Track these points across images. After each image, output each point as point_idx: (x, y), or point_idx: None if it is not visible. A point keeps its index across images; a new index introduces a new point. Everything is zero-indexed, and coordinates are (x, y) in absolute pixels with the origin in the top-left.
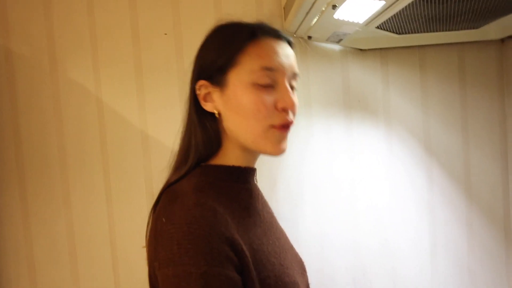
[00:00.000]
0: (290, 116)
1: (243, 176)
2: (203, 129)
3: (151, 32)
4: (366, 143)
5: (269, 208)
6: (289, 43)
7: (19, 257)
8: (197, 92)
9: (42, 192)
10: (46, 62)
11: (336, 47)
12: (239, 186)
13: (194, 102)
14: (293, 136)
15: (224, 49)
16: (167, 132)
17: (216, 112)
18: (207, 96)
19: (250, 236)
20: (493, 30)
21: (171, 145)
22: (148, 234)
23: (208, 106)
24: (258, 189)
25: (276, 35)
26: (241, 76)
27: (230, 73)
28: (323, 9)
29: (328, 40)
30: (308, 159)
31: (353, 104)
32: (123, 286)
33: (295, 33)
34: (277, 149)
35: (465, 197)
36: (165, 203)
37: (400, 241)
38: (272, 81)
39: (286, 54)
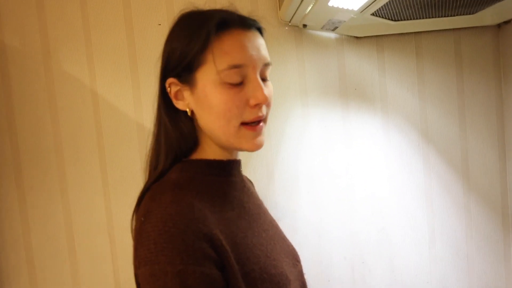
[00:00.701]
0: (263, 110)
1: (226, 169)
2: (176, 128)
3: (145, 23)
4: (363, 131)
5: (258, 200)
6: (259, 30)
7: (18, 251)
8: (167, 90)
9: (39, 185)
10: (39, 54)
11: (332, 35)
12: (221, 179)
13: (164, 100)
14: (289, 125)
15: (189, 47)
16: None
17: (188, 110)
18: (178, 94)
19: (232, 230)
20: (489, 15)
21: None
22: (134, 228)
23: (180, 105)
24: (244, 181)
25: (243, 24)
26: (208, 76)
27: (197, 72)
28: None
29: (323, 28)
30: (305, 149)
31: (349, 92)
32: (122, 278)
33: (290, 21)
34: (252, 146)
35: (463, 183)
36: (145, 202)
37: (398, 228)
38: (242, 77)
39: (255, 46)
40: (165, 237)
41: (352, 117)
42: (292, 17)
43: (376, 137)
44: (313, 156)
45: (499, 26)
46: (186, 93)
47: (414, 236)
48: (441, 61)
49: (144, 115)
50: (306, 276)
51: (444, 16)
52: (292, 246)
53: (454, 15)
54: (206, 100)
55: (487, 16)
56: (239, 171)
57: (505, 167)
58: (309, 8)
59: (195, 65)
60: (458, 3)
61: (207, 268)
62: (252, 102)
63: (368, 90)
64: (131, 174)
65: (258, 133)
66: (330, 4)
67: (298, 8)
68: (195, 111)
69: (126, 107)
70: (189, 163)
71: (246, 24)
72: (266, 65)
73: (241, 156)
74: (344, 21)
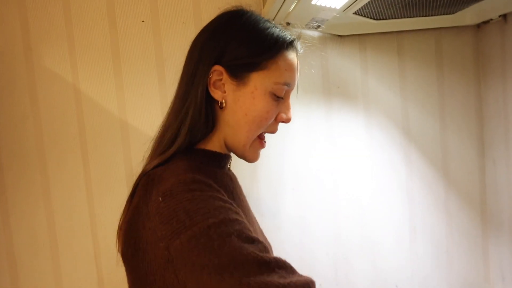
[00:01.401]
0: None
1: (223, 162)
2: (205, 113)
3: (128, 20)
4: (345, 129)
5: (243, 193)
6: None
7: None
8: (209, 75)
9: (20, 184)
10: (20, 51)
11: (315, 33)
12: (221, 171)
13: (203, 83)
14: None
15: (259, 51)
16: (147, 120)
17: (223, 101)
18: (216, 83)
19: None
20: (469, 15)
21: (150, 133)
22: (124, 223)
23: (217, 94)
24: (234, 175)
25: (298, 51)
26: (264, 82)
27: (254, 74)
28: None
29: (306, 26)
30: (288, 146)
31: (332, 90)
32: (105, 277)
33: (273, 19)
34: (257, 157)
35: (443, 181)
36: (153, 185)
37: (380, 225)
38: (284, 95)
39: (298, 71)
40: (196, 202)
41: (335, 115)
42: (276, 15)
43: (359, 135)
44: (296, 154)
45: (478, 26)
46: (229, 87)
47: (396, 233)
48: (422, 60)
49: (128, 112)
50: None
51: (425, 16)
52: (269, 241)
53: (435, 15)
54: (251, 101)
55: (467, 16)
56: (229, 166)
57: (484, 165)
58: (293, 6)
59: (256, 67)
60: (439, 3)
61: (244, 220)
62: (280, 119)
63: (351, 88)
64: (114, 173)
65: (262, 148)
66: (313, 2)
67: (281, 6)
68: (229, 106)
69: (109, 105)
70: (194, 152)
71: (298, 52)
72: None
73: None
74: (327, 20)
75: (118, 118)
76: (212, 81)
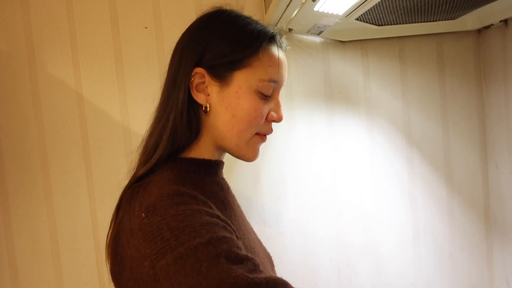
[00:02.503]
0: (272, 127)
1: (213, 169)
2: (188, 118)
3: (131, 26)
4: (348, 134)
5: (237, 201)
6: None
7: (0, 255)
8: (191, 79)
9: (23, 188)
10: (24, 56)
11: (317, 39)
12: (211, 179)
13: (184, 86)
14: (276, 128)
15: (240, 47)
16: (148, 126)
17: (207, 105)
18: (199, 86)
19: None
20: (470, 20)
21: None
22: (110, 239)
23: (200, 98)
24: (226, 183)
25: (284, 46)
26: (248, 80)
27: (237, 73)
28: (303, 1)
29: (308, 32)
30: (291, 151)
31: (334, 96)
32: (107, 283)
33: (275, 25)
34: (255, 155)
35: (446, 185)
36: (137, 199)
37: (383, 230)
38: (271, 92)
39: (286, 67)
40: (180, 218)
41: (337, 120)
42: (278, 21)
43: (361, 139)
44: (299, 158)
45: (479, 31)
46: (213, 88)
47: (399, 237)
48: (424, 65)
49: (130, 118)
50: (292, 278)
51: (427, 21)
52: (267, 251)
53: (436, 20)
54: (236, 101)
55: (468, 22)
56: (221, 173)
57: (487, 169)
58: (295, 12)
59: (238, 65)
60: (440, 8)
61: (232, 235)
62: (271, 117)
63: (353, 94)
64: (116, 178)
65: (261, 144)
66: (315, 9)
67: (284, 12)
68: (214, 109)
69: (112, 110)
70: (179, 162)
71: (285, 46)
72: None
73: (228, 157)
74: (329, 26)
75: (120, 124)
76: (194, 85)
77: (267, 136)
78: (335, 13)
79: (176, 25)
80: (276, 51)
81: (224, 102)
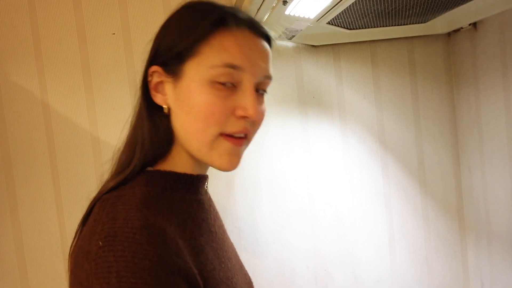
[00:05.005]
0: (248, 125)
1: (194, 185)
2: (152, 125)
3: (98, 33)
4: (322, 139)
5: (220, 220)
6: (267, 39)
7: None
8: (149, 79)
9: None
10: None
11: (289, 44)
12: (190, 197)
13: (145, 91)
14: None
15: (186, 34)
16: (119, 134)
17: (165, 107)
18: (158, 86)
19: (201, 260)
20: (440, 24)
21: None
22: (73, 251)
23: (158, 98)
24: (209, 199)
25: (253, 28)
26: (199, 70)
27: (188, 63)
28: (274, 5)
29: (280, 37)
30: (265, 157)
31: (307, 100)
32: None
33: None
34: (225, 162)
35: (420, 189)
36: (102, 215)
37: (359, 236)
38: (235, 81)
39: (259, 52)
40: (133, 271)
41: (311, 125)
42: None
43: (335, 144)
44: (273, 164)
45: (449, 34)
46: (168, 86)
47: (374, 242)
48: (395, 69)
49: (99, 127)
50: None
51: (398, 25)
52: (248, 275)
53: (407, 24)
54: (189, 96)
55: (438, 25)
56: (205, 188)
57: (459, 171)
58: (266, 16)
59: (187, 54)
60: (410, 12)
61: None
62: (239, 112)
63: (326, 98)
64: (86, 188)
65: (237, 150)
66: (287, 12)
67: (255, 16)
68: (172, 109)
69: (79, 119)
70: (156, 175)
71: (256, 28)
72: (267, 78)
73: None
74: (301, 30)
75: (89, 133)
76: (152, 85)
77: (243, 140)
78: (306, 16)
79: (145, 30)
80: (236, 32)
81: (178, 100)
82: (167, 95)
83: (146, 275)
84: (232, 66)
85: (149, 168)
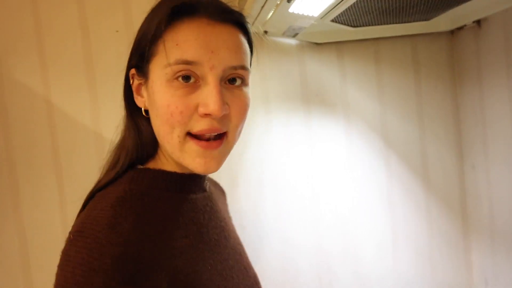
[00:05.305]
0: (215, 122)
1: (185, 185)
2: (135, 128)
3: (102, 30)
4: (325, 137)
5: (221, 220)
6: (240, 26)
7: None
8: (130, 82)
9: None
10: None
11: (293, 41)
12: (179, 196)
13: (128, 94)
14: (252, 131)
15: (146, 34)
16: None
17: (143, 109)
18: (139, 88)
19: (177, 264)
20: (443, 22)
21: None
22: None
23: (138, 101)
24: (207, 199)
25: (211, 14)
26: (156, 70)
27: (151, 64)
28: (278, 2)
29: (284, 34)
30: (268, 155)
31: (311, 98)
32: None
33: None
34: (198, 166)
35: (423, 187)
36: (84, 214)
37: (362, 233)
38: (197, 77)
39: (219, 42)
40: (83, 270)
41: (314, 122)
42: (253, 23)
43: (338, 142)
44: (276, 162)
45: (452, 32)
46: (144, 88)
47: (378, 240)
48: (399, 67)
49: (102, 124)
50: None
51: (401, 23)
52: (254, 277)
53: (410, 22)
54: (154, 98)
55: (442, 23)
56: (202, 187)
57: (463, 169)
58: (270, 14)
59: (149, 55)
60: (414, 9)
61: None
62: (200, 110)
63: (330, 96)
64: (89, 188)
65: (207, 152)
66: (290, 10)
67: (259, 14)
68: (149, 111)
69: (83, 117)
70: (143, 172)
71: (215, 14)
72: (238, 68)
73: None
74: (305, 28)
75: (92, 131)
76: (135, 88)
77: (214, 141)
78: (310, 14)
79: None
80: (189, 23)
81: (149, 102)
82: (145, 97)
83: (94, 277)
84: (186, 62)
85: (139, 166)
